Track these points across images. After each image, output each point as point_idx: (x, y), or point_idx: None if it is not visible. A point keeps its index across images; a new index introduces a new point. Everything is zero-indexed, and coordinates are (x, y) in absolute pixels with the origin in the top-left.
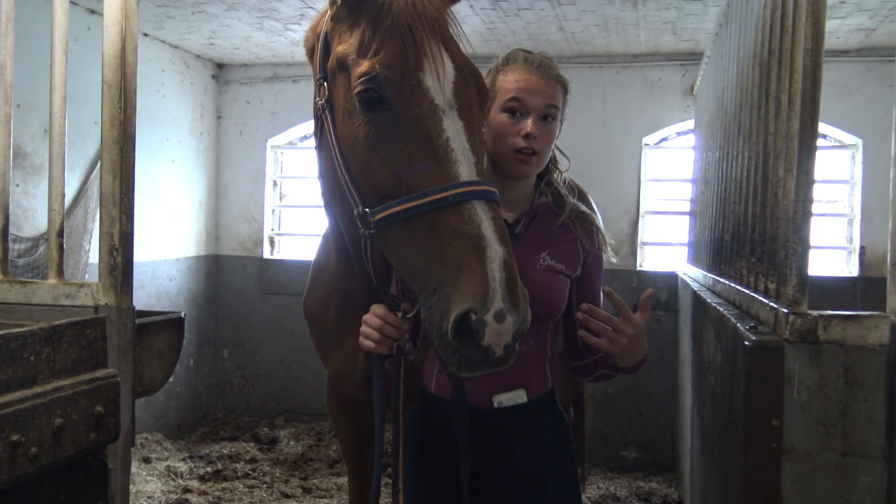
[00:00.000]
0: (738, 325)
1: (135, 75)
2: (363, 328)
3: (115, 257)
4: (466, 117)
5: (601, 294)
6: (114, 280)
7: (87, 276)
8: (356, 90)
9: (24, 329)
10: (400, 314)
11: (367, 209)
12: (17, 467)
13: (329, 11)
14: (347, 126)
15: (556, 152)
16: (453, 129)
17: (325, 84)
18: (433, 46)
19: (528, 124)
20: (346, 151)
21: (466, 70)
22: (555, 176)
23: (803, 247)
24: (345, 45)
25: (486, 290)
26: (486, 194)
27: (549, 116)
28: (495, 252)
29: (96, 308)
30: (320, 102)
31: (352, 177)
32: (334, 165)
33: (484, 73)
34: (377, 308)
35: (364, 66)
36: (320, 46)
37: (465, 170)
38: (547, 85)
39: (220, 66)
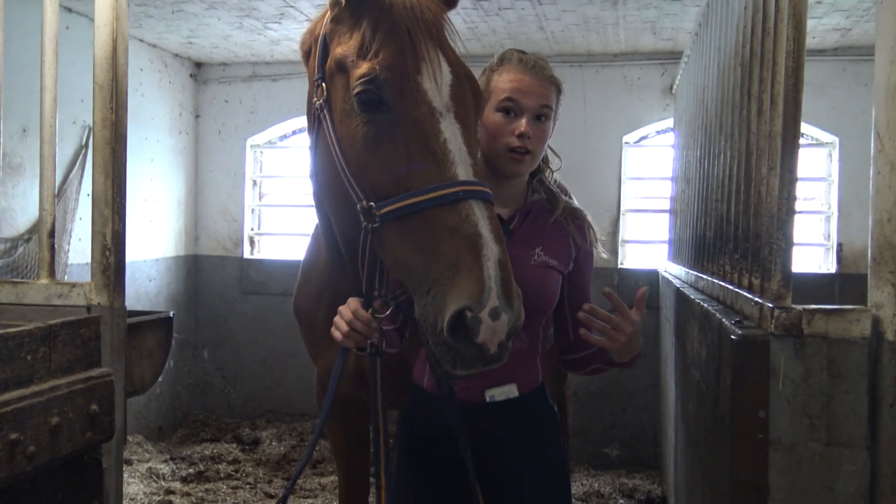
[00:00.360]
0: (724, 320)
1: (126, 76)
2: (335, 318)
3: (107, 257)
4: (463, 120)
5: (591, 289)
6: (106, 280)
7: (66, 277)
8: (355, 91)
9: (21, 328)
10: (371, 311)
11: (371, 203)
12: (15, 466)
13: (329, 13)
14: (345, 126)
15: (548, 151)
16: (451, 131)
17: (324, 85)
18: (431, 50)
19: (522, 124)
20: (345, 150)
21: (462, 73)
22: (546, 174)
23: (787, 243)
24: (344, 47)
25: (481, 287)
26: (482, 194)
27: (542, 116)
28: (491, 250)
29: (89, 308)
30: (318, 103)
31: (353, 174)
32: (332, 164)
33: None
34: (352, 301)
35: (364, 67)
36: (319, 48)
37: (463, 170)
38: (541, 85)
39: (199, 64)
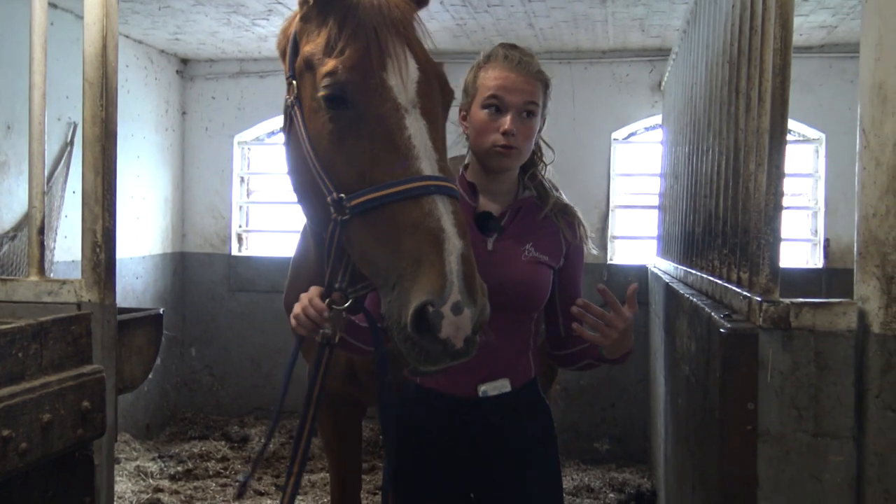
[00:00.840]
0: (713, 313)
1: (116, 73)
2: (294, 305)
3: (97, 254)
4: (429, 116)
5: (581, 284)
6: (97, 277)
7: (52, 274)
8: (321, 88)
9: (13, 325)
10: (327, 302)
11: (342, 195)
12: (7, 462)
13: (299, 12)
14: (314, 123)
15: (542, 144)
16: (416, 126)
17: (294, 82)
18: (397, 47)
19: (507, 121)
20: (315, 146)
21: (430, 71)
22: (539, 168)
23: (775, 238)
24: (312, 45)
25: (443, 282)
26: (446, 190)
27: (528, 112)
28: (454, 245)
29: (79, 305)
30: (289, 100)
31: (323, 169)
32: (304, 160)
33: (457, 69)
34: (312, 290)
35: (329, 65)
36: (290, 47)
37: (427, 165)
38: (526, 82)
39: (185, 61)
